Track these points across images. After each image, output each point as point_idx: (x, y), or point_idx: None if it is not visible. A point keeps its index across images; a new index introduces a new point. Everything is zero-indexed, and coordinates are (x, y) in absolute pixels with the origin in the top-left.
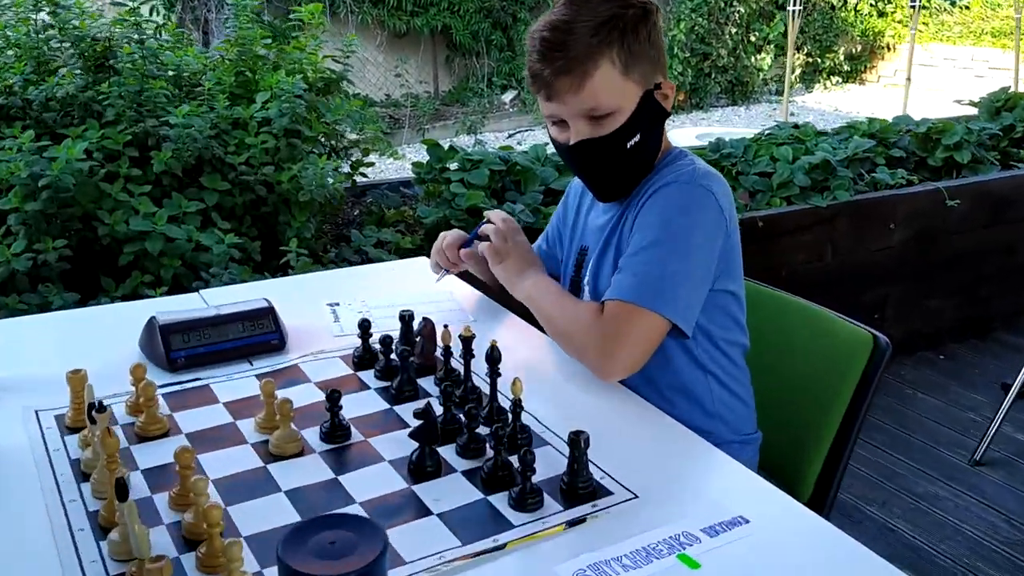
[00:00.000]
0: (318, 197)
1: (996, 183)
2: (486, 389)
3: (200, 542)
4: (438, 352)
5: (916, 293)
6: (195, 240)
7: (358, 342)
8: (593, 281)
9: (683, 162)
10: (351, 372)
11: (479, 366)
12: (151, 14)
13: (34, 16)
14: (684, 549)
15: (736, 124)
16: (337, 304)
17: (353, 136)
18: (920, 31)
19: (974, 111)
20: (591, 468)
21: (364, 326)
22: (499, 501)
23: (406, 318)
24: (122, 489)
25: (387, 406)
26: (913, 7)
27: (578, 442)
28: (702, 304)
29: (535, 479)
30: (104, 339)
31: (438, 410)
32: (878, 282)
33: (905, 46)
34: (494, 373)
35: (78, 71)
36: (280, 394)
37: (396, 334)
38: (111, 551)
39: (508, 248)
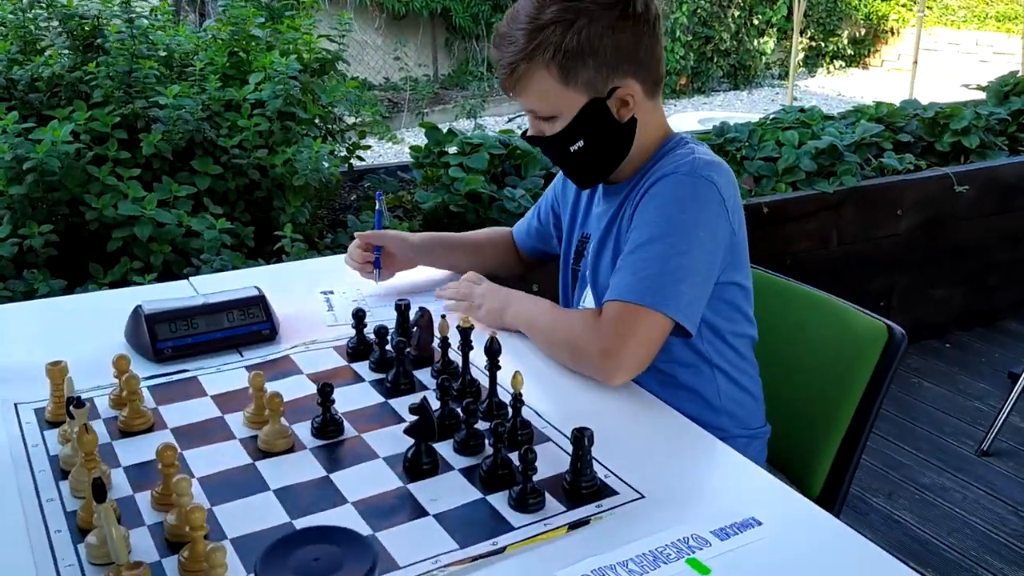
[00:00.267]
0: (313, 181)
1: (1005, 168)
2: (485, 382)
3: (183, 544)
4: (435, 343)
5: (923, 281)
6: (186, 225)
7: (352, 332)
8: (592, 271)
9: (683, 151)
10: (345, 363)
11: (478, 358)
12: None
13: None
14: (693, 553)
15: (738, 108)
16: (331, 292)
17: (351, 120)
18: (924, 15)
19: (982, 95)
20: (595, 466)
21: (359, 315)
22: (499, 501)
23: (402, 307)
24: (99, 490)
25: (382, 400)
26: None
27: (582, 439)
28: (706, 301)
29: (536, 478)
30: (89, 328)
31: (435, 404)
32: (884, 269)
33: (908, 30)
34: (494, 366)
35: (65, 50)
36: (271, 386)
37: (392, 324)
38: (89, 555)
39: (477, 294)
